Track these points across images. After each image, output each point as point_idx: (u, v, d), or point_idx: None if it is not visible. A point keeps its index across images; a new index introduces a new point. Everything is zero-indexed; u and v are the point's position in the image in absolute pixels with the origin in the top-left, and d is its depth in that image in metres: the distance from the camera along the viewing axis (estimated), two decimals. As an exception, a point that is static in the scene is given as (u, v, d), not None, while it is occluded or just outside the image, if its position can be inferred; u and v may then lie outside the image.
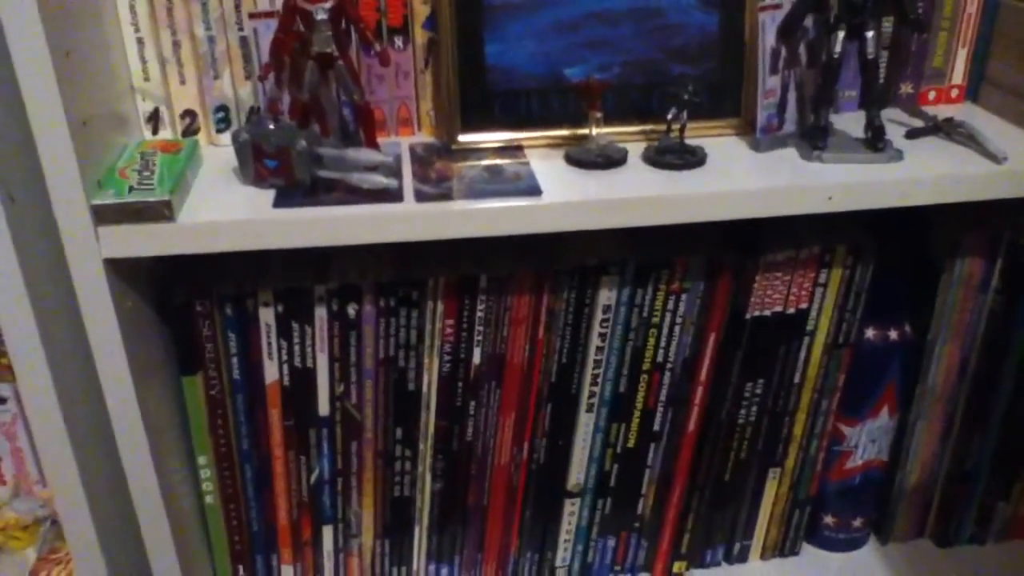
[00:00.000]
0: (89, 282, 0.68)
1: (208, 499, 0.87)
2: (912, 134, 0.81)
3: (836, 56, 0.76)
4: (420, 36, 0.79)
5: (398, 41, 0.79)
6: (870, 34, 0.75)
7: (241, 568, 0.92)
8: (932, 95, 0.89)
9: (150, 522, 0.79)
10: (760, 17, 0.76)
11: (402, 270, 0.80)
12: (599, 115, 0.76)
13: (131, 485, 0.77)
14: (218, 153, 0.79)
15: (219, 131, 0.80)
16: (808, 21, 0.77)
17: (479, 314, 0.81)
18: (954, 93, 0.89)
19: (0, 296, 0.67)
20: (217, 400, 0.83)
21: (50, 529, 0.94)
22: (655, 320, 0.84)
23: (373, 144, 0.75)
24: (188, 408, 0.83)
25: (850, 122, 0.82)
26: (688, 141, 0.77)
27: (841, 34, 0.75)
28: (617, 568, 0.98)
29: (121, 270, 0.70)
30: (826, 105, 0.78)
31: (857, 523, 0.99)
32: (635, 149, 0.78)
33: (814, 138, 0.77)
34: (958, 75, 0.88)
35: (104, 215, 0.66)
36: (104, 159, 0.70)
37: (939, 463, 0.97)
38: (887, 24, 0.83)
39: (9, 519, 0.93)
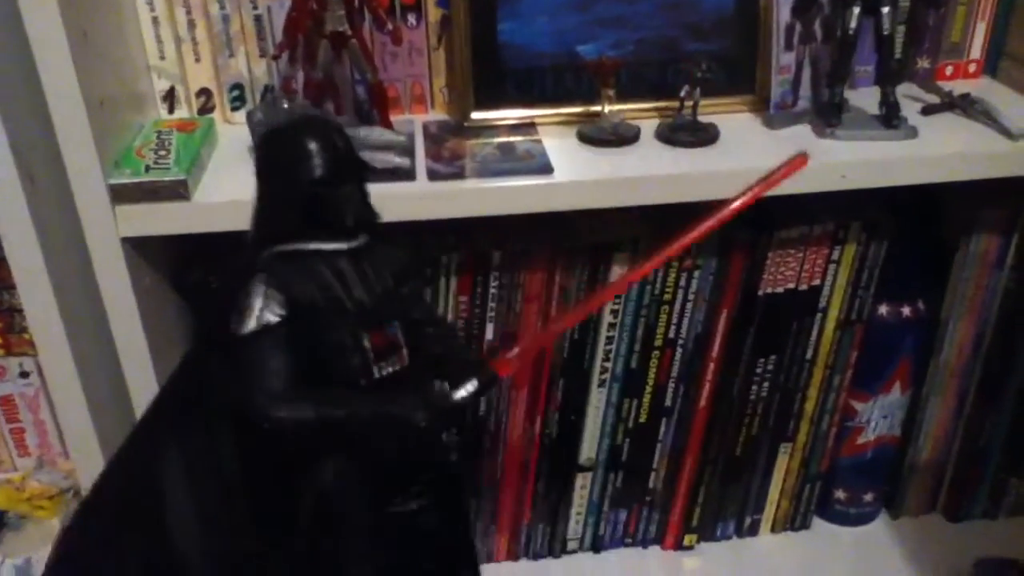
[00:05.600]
0: (107, 260, 0.69)
1: (227, 471, 0.89)
2: (928, 110, 0.80)
3: (851, 32, 0.75)
4: (433, 13, 0.79)
5: (411, 18, 0.79)
6: (886, 9, 0.74)
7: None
8: (949, 70, 0.88)
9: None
10: (775, -8, 0.75)
11: (416, 247, 0.81)
12: (612, 93, 0.76)
13: (151, 458, 0.79)
14: (233, 131, 0.79)
15: (234, 109, 0.81)
16: (823, -3, 0.77)
17: (492, 291, 0.82)
18: (972, 68, 0.88)
19: (21, 273, 0.68)
20: (234, 375, 0.84)
21: (73, 500, 0.96)
22: (667, 297, 0.84)
23: (387, 123, 0.76)
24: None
25: (865, 98, 0.81)
26: (701, 118, 0.77)
27: (856, 10, 0.74)
28: (628, 541, 0.99)
29: (138, 248, 0.71)
30: (840, 82, 0.77)
31: (868, 498, 0.99)
32: (649, 126, 0.78)
33: (828, 115, 0.77)
34: (976, 50, 0.88)
35: (121, 194, 0.67)
36: (121, 138, 0.71)
37: (951, 439, 0.97)
38: (904, -1, 0.82)
39: (34, 490, 0.95)
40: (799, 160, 0.59)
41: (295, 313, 0.55)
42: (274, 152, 0.56)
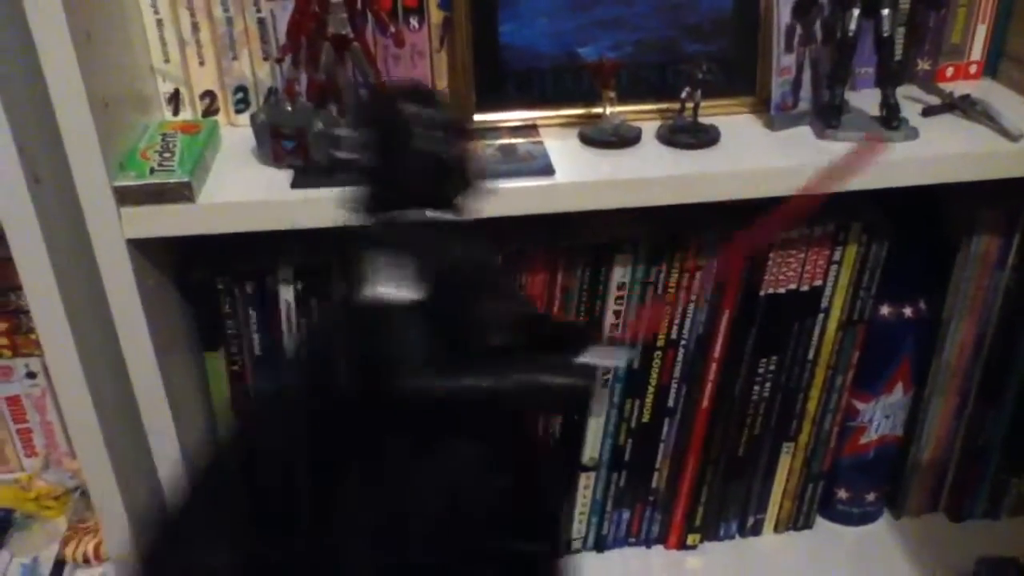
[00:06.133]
0: (112, 261, 0.70)
1: (231, 471, 0.89)
2: (928, 112, 0.80)
3: (851, 34, 0.75)
4: (435, 15, 0.80)
5: (413, 21, 0.79)
6: (885, 12, 0.74)
7: (264, 538, 0.94)
8: (950, 71, 0.88)
9: (175, 493, 0.81)
10: (775, -6, 0.76)
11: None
12: (612, 94, 0.76)
13: (156, 457, 0.79)
14: (237, 133, 0.80)
15: (238, 111, 0.81)
16: (823, -2, 0.77)
17: (494, 291, 0.82)
18: (972, 69, 0.88)
19: (28, 274, 0.69)
20: (238, 375, 0.84)
21: (80, 499, 0.97)
22: (669, 298, 0.85)
23: (389, 124, 0.76)
24: (210, 383, 0.85)
25: (866, 99, 0.81)
26: (702, 120, 0.77)
27: (856, 12, 0.75)
28: (632, 540, 1.00)
29: (143, 249, 0.71)
30: (841, 83, 0.77)
31: (870, 497, 1.00)
32: (650, 128, 0.79)
33: (829, 116, 0.77)
34: (976, 51, 0.88)
35: (126, 196, 0.68)
36: (126, 140, 0.72)
37: (953, 438, 0.97)
38: (904, 1, 0.82)
39: (41, 489, 0.96)
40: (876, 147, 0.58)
41: (420, 281, 0.52)
42: (389, 118, 0.54)
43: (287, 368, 0.62)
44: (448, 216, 0.54)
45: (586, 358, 0.54)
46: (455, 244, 0.54)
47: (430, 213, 0.54)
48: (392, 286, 0.51)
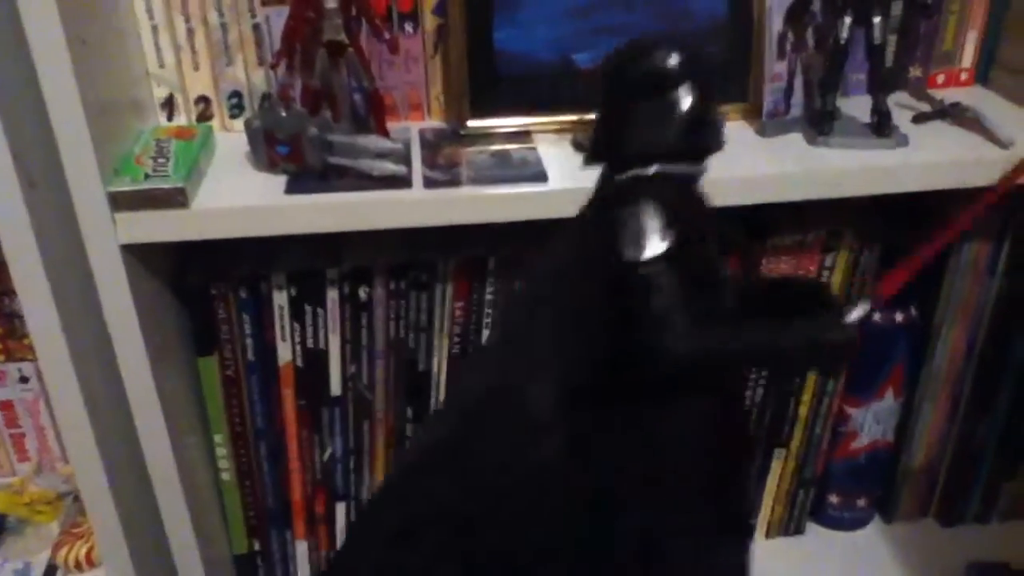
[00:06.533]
0: (106, 266, 0.70)
1: (224, 476, 0.90)
2: (919, 119, 0.81)
3: (843, 42, 0.76)
4: (430, 21, 0.80)
5: (408, 27, 0.80)
6: (877, 19, 0.75)
7: (256, 542, 0.94)
8: (941, 78, 0.89)
9: (168, 498, 0.81)
10: (768, 1, 0.76)
11: (412, 253, 0.82)
12: (606, 101, 0.76)
13: (149, 462, 0.79)
14: (232, 138, 0.80)
15: (233, 117, 0.82)
16: (815, 5, 0.78)
17: (488, 296, 0.83)
18: (964, 76, 0.89)
19: (21, 278, 0.69)
20: (232, 380, 0.85)
21: (73, 504, 0.97)
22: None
23: (383, 130, 0.76)
24: (204, 388, 0.85)
25: (859, 106, 0.82)
26: (695, 126, 0.77)
27: (848, 19, 0.75)
28: (625, 545, 1.00)
29: (137, 254, 0.72)
30: (832, 90, 0.78)
31: (862, 502, 1.00)
32: (642, 134, 0.79)
33: (820, 123, 0.78)
34: (968, 58, 0.88)
35: (120, 201, 0.68)
36: (120, 145, 0.72)
37: (944, 444, 0.97)
38: (896, 8, 0.83)
39: (34, 494, 0.96)
40: None
41: (676, 241, 0.49)
42: (654, 70, 0.51)
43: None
44: (696, 170, 0.52)
45: (856, 312, 0.51)
46: (700, 202, 0.52)
47: (680, 168, 0.51)
48: (653, 247, 0.48)
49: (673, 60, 0.50)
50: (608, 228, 0.50)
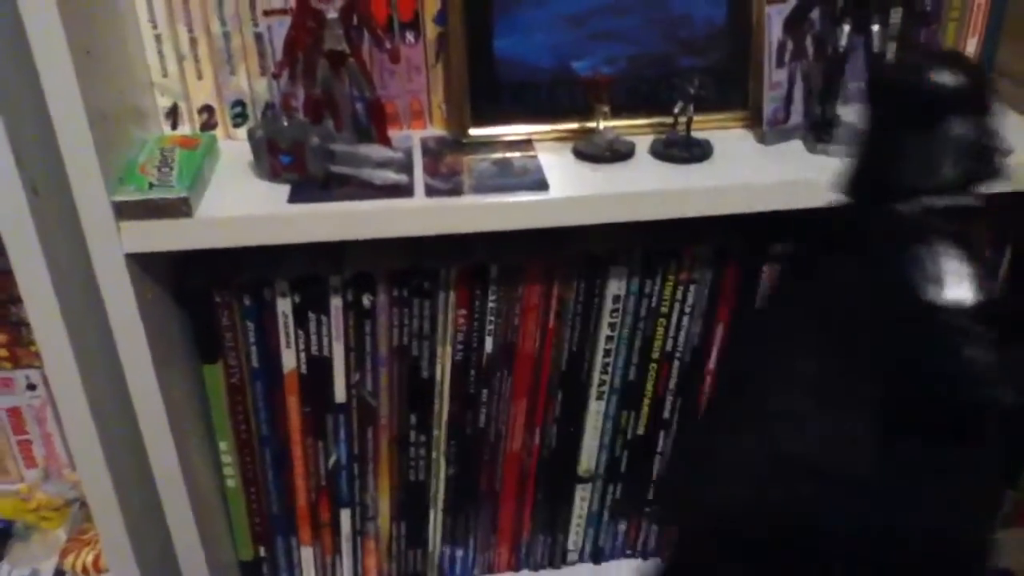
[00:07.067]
0: (111, 274, 0.70)
1: (229, 482, 0.90)
2: (919, 125, 0.81)
3: (842, 50, 0.76)
4: (431, 30, 0.80)
5: (409, 36, 0.80)
6: (876, 28, 0.75)
7: (262, 548, 0.95)
8: (942, 85, 0.89)
9: (173, 504, 0.82)
10: (767, 9, 0.77)
11: (415, 260, 0.82)
12: (606, 109, 0.77)
13: (155, 469, 0.80)
14: (235, 147, 0.80)
15: (236, 125, 0.82)
16: (815, 14, 0.78)
17: (491, 304, 0.83)
18: (964, 83, 0.89)
19: (27, 286, 0.69)
20: (237, 388, 0.85)
21: (79, 511, 0.97)
22: (664, 310, 0.85)
23: (385, 139, 0.77)
24: (209, 395, 0.85)
25: (858, 114, 0.82)
26: (695, 134, 0.78)
27: (847, 27, 0.76)
28: (629, 552, 1.00)
29: (142, 262, 0.72)
30: (832, 98, 0.78)
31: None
32: (644, 142, 0.79)
33: (820, 131, 0.78)
34: (968, 65, 0.88)
35: (125, 211, 0.68)
36: (125, 154, 0.73)
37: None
38: (895, 16, 0.83)
39: (41, 500, 0.96)
40: None
41: (983, 279, 0.47)
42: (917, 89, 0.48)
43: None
44: (971, 202, 0.49)
45: None
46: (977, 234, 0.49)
47: (956, 200, 0.48)
48: (964, 287, 0.47)
49: (953, 80, 0.47)
50: (915, 268, 0.48)
